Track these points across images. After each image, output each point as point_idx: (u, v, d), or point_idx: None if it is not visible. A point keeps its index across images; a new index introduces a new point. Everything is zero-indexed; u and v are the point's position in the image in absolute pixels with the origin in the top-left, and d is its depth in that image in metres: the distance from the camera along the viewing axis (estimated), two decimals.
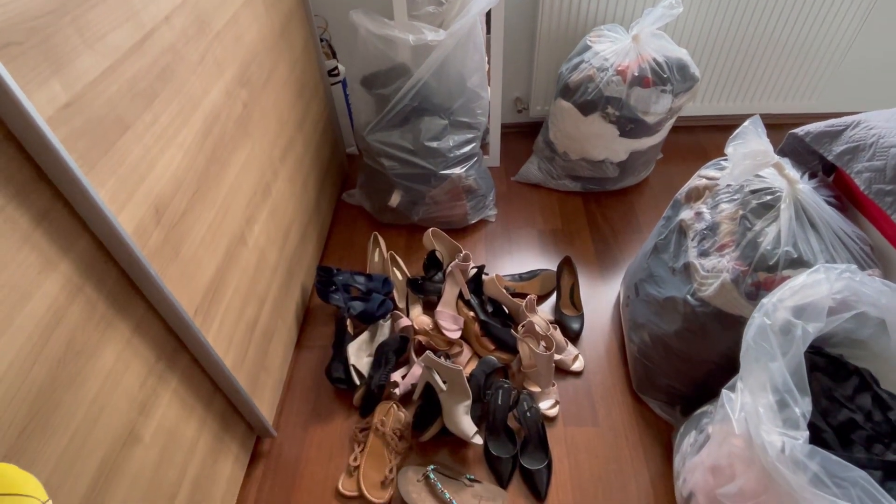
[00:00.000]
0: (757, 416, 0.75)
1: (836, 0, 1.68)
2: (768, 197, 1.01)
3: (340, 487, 1.15)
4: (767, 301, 0.84)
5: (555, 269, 1.55)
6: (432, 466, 1.15)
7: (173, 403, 0.89)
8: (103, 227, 0.69)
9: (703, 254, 1.08)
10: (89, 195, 0.65)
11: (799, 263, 0.92)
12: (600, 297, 1.52)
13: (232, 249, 1.06)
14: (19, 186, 0.59)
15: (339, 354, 1.34)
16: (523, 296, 1.47)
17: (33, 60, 0.59)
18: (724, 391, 0.89)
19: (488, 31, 1.69)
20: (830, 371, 0.85)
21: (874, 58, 1.93)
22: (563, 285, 1.50)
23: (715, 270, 1.03)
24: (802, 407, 0.75)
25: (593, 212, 1.80)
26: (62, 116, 0.63)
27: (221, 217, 1.02)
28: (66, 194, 0.64)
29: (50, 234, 0.63)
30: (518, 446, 1.19)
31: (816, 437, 0.79)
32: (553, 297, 1.53)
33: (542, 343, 1.30)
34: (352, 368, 1.31)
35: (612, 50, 1.53)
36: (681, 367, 1.17)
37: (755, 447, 0.74)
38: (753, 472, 0.78)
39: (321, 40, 1.75)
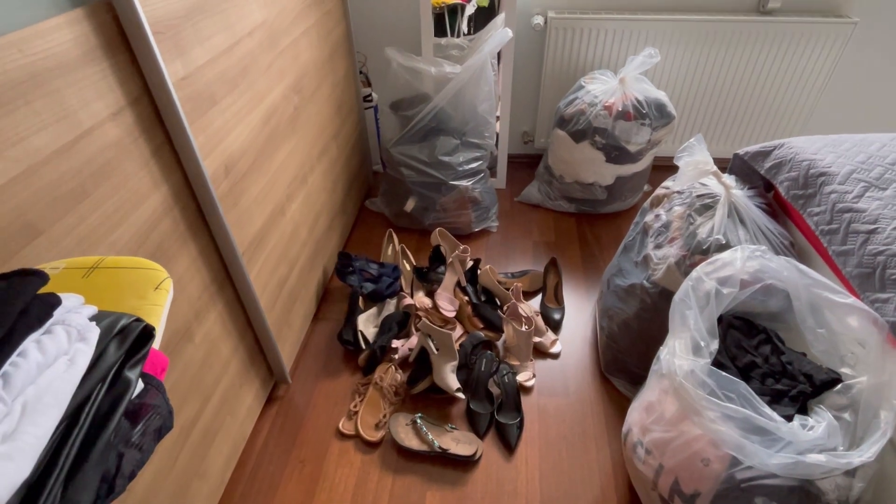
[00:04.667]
0: (674, 350, 0.95)
1: (800, 66, 1.96)
2: (709, 199, 1.23)
3: (341, 427, 1.35)
4: (695, 273, 1.05)
5: (542, 269, 1.77)
6: (419, 414, 1.34)
7: (217, 323, 1.13)
8: (193, 167, 0.96)
9: (658, 246, 1.30)
10: (189, 141, 0.93)
11: (726, 248, 1.13)
12: (582, 298, 1.72)
13: (274, 215, 1.33)
14: (147, 126, 0.87)
15: (350, 322, 1.56)
16: None
17: (170, 45, 0.88)
18: (660, 348, 1.09)
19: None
20: (743, 330, 1.05)
21: (839, 114, 2.17)
22: (548, 283, 1.72)
23: (664, 258, 1.25)
24: (710, 346, 0.94)
25: (584, 230, 2.03)
26: (180, 85, 0.92)
27: (269, 187, 1.29)
28: (174, 138, 0.92)
29: (159, 164, 0.91)
30: (495, 406, 1.37)
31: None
32: (540, 295, 1.73)
33: (525, 324, 1.50)
34: (359, 334, 1.53)
35: (601, 90, 1.81)
36: (640, 348, 1.35)
37: (670, 373, 0.94)
38: (673, 401, 0.97)
39: (360, 72, 2.09)
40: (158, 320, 0.54)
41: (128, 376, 0.39)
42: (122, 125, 0.81)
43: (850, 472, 0.85)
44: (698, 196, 1.26)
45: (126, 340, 0.39)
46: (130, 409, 0.42)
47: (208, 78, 1.01)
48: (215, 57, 1.03)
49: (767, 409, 0.82)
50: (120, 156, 0.82)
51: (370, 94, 2.14)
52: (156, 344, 0.52)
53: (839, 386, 0.91)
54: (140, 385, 0.43)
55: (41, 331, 0.35)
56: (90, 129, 0.76)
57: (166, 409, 0.44)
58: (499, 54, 2.03)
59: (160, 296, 0.57)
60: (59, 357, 0.34)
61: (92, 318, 0.40)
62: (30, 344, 0.33)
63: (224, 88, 1.07)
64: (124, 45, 0.81)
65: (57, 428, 0.33)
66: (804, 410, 0.91)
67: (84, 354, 0.35)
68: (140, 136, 0.86)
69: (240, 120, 1.13)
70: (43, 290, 0.44)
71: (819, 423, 0.84)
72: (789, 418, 0.87)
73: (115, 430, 0.38)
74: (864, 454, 0.79)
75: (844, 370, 0.94)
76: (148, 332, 0.43)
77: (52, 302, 0.37)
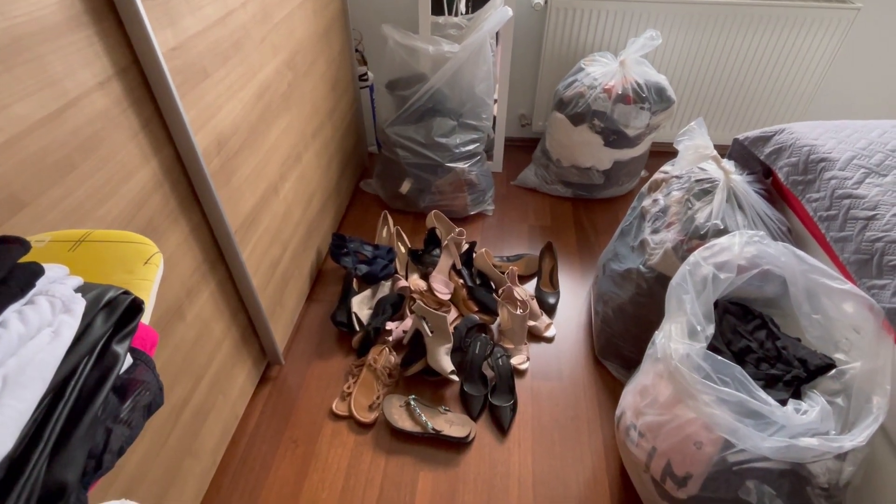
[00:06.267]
0: (669, 334, 0.95)
1: (803, 51, 1.94)
2: (708, 184, 1.22)
3: (334, 408, 1.34)
4: (693, 258, 1.05)
5: (538, 254, 1.76)
6: (413, 396, 1.34)
7: (209, 302, 1.11)
8: (184, 142, 0.93)
9: (655, 231, 1.29)
10: (180, 114, 0.90)
11: (724, 233, 1.12)
12: (577, 282, 1.72)
13: (267, 194, 1.30)
14: (136, 97, 0.84)
15: (344, 304, 1.55)
16: None
17: (159, 13, 0.85)
18: (655, 332, 1.09)
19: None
20: (739, 315, 1.05)
21: (840, 101, 2.16)
22: (543, 267, 1.71)
23: (662, 242, 1.24)
24: (706, 330, 0.94)
25: (580, 214, 2.02)
26: (170, 55, 0.89)
27: (262, 166, 1.27)
28: (164, 111, 0.89)
29: (149, 138, 0.88)
30: (489, 389, 1.37)
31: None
32: (535, 279, 1.73)
33: (519, 308, 1.50)
34: (353, 316, 1.52)
35: (601, 72, 1.78)
36: (635, 332, 1.35)
37: (665, 356, 0.93)
38: (667, 384, 0.97)
39: (356, 50, 2.04)
40: (148, 295, 0.53)
41: (116, 350, 0.38)
42: (109, 95, 0.79)
43: (841, 456, 0.86)
44: (697, 181, 1.25)
45: (114, 313, 0.38)
46: (119, 384, 0.40)
47: (200, 49, 0.97)
48: (207, 28, 0.99)
49: (762, 393, 0.82)
50: (108, 127, 0.79)
51: (366, 73, 2.10)
52: (145, 319, 0.51)
53: (833, 371, 0.92)
54: (129, 360, 0.42)
55: (23, 301, 0.33)
56: (76, 98, 0.73)
57: (156, 384, 0.43)
58: (497, 34, 2.00)
59: (149, 270, 0.56)
60: (43, 329, 0.33)
61: (77, 290, 0.38)
62: (11, 314, 0.32)
63: (216, 61, 1.03)
64: (111, 10, 0.77)
65: (41, 402, 0.32)
66: (798, 395, 0.91)
67: (69, 326, 0.34)
68: (129, 108, 0.83)
69: (232, 95, 1.10)
70: (26, 262, 0.42)
71: (812, 408, 0.84)
72: (783, 403, 0.87)
73: (103, 405, 0.37)
74: (856, 438, 0.79)
75: (839, 356, 0.94)
76: (137, 306, 0.41)
77: (35, 271, 0.35)
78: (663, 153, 2.33)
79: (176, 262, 0.98)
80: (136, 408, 0.40)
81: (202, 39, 0.98)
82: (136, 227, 0.86)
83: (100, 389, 0.36)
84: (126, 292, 0.40)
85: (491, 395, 1.36)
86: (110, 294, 0.39)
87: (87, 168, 0.76)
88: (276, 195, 1.37)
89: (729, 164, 1.23)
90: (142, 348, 0.44)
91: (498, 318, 1.54)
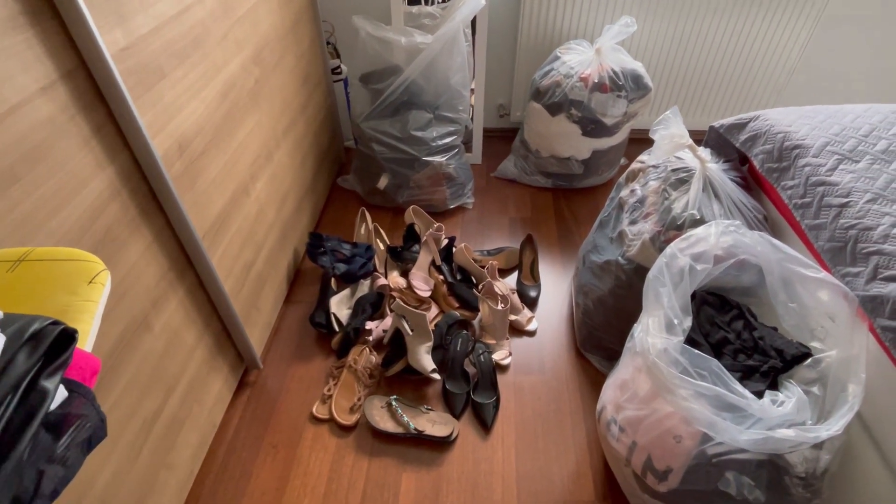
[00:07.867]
0: (647, 328, 0.94)
1: (777, 33, 1.93)
2: (684, 174, 1.21)
3: (314, 412, 1.32)
4: (669, 249, 1.04)
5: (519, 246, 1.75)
6: (395, 396, 1.32)
7: (178, 310, 1.08)
8: (141, 147, 0.89)
9: (633, 222, 1.28)
10: (134, 118, 0.86)
11: (701, 223, 1.12)
12: (558, 274, 1.71)
13: (237, 196, 1.26)
14: (85, 102, 0.80)
15: (323, 304, 1.52)
16: None
17: (105, 11, 0.81)
18: (634, 325, 1.08)
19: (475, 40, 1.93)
20: (717, 305, 1.04)
21: (814, 84, 2.17)
22: (524, 260, 1.70)
23: (639, 233, 1.23)
24: (684, 323, 0.94)
25: (561, 205, 2.00)
26: (121, 56, 0.84)
27: (230, 166, 1.23)
28: (117, 115, 0.85)
29: (102, 144, 0.84)
30: (471, 386, 1.36)
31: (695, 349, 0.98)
32: (516, 273, 1.71)
33: (500, 302, 1.48)
34: (332, 316, 1.49)
35: (577, 60, 1.76)
36: (616, 324, 1.35)
37: (643, 350, 0.93)
38: (646, 378, 0.96)
39: (327, 43, 1.99)
40: (92, 318, 0.50)
41: (44, 386, 0.35)
42: (55, 101, 0.74)
43: (818, 445, 0.86)
44: (673, 170, 1.24)
45: (39, 347, 0.35)
46: (53, 420, 0.38)
47: (154, 48, 0.93)
48: (161, 25, 0.95)
49: (738, 387, 0.82)
50: (55, 134, 0.75)
51: (339, 66, 2.05)
52: (88, 345, 0.48)
53: (809, 360, 0.92)
54: (63, 394, 0.39)
55: None
56: (16, 105, 0.68)
57: (97, 417, 0.40)
58: (474, 24, 1.96)
59: (94, 290, 0.52)
60: None
61: None
62: None
63: (173, 60, 0.99)
64: (52, 10, 0.73)
65: None
66: (775, 385, 0.92)
67: None
68: (78, 114, 0.79)
69: (193, 95, 1.06)
70: None
71: (789, 399, 0.84)
72: (760, 394, 0.87)
73: (31, 445, 0.34)
74: (832, 427, 0.79)
75: (814, 344, 0.94)
76: (69, 336, 0.38)
77: None
78: (642, 140, 2.32)
79: (139, 272, 0.94)
80: (72, 444, 0.38)
81: (156, 38, 0.93)
82: (92, 237, 0.82)
83: (25, 430, 0.33)
84: (55, 322, 0.38)
85: (473, 392, 1.35)
86: (35, 326, 0.36)
87: (34, 179, 0.72)
88: (247, 196, 1.33)
89: (705, 153, 1.22)
90: (80, 379, 0.41)
91: (479, 314, 1.53)
